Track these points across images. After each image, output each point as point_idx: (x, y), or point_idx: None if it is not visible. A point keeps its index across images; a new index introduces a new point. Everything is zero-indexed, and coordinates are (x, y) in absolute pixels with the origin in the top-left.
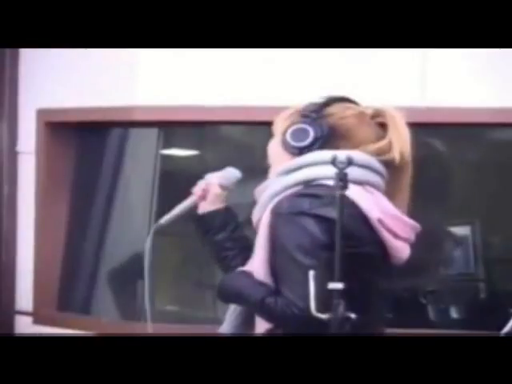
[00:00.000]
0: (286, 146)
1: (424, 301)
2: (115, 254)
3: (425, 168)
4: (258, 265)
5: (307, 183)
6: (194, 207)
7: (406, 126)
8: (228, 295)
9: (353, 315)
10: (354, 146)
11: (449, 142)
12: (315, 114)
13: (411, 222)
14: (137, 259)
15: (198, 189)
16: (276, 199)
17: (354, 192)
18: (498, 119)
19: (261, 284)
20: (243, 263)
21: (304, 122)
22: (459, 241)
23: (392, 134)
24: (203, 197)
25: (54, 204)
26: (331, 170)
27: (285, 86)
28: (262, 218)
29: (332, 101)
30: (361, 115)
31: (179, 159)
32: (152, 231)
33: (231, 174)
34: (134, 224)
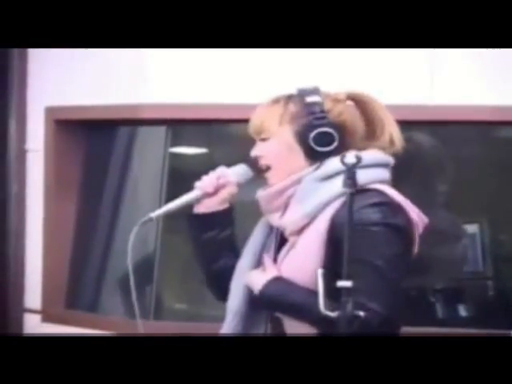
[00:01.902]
0: (307, 151)
1: (433, 299)
2: (123, 252)
3: (433, 166)
4: (310, 272)
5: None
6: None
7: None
8: (273, 304)
9: (361, 313)
10: (358, 142)
11: (457, 140)
12: (326, 113)
13: (422, 215)
14: (145, 258)
15: (206, 184)
16: (332, 207)
17: (394, 194)
18: (507, 117)
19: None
20: (231, 265)
21: (324, 125)
22: (467, 239)
23: (388, 125)
24: (212, 194)
25: (62, 202)
26: (379, 173)
27: (294, 84)
28: (309, 226)
29: (311, 93)
30: (348, 108)
31: (188, 157)
32: (139, 224)
33: (246, 171)
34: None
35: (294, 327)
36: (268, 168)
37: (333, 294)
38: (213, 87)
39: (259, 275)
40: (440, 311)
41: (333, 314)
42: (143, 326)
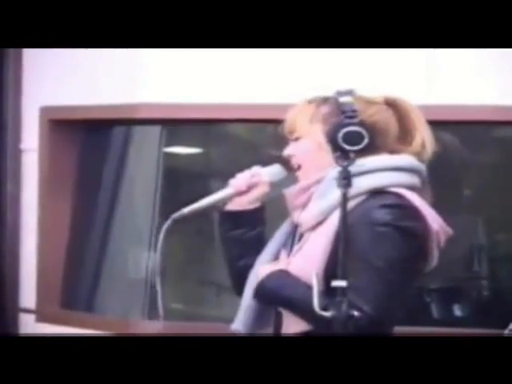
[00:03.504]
0: (336, 149)
1: (428, 299)
2: (118, 251)
3: (429, 166)
4: (315, 269)
5: (375, 191)
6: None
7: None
8: (272, 296)
9: (356, 313)
10: (391, 144)
11: (454, 140)
12: (357, 113)
13: (445, 226)
14: (140, 257)
15: (240, 182)
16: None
17: (415, 199)
18: (505, 117)
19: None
20: (253, 263)
21: (353, 124)
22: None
23: (421, 131)
24: (245, 192)
25: (57, 201)
26: (400, 177)
27: (289, 84)
28: (322, 224)
29: (345, 94)
30: (381, 110)
31: (183, 157)
32: (170, 220)
33: (279, 171)
34: (137, 221)
35: (290, 324)
36: (299, 167)
37: (332, 293)
38: (208, 87)
39: (267, 268)
40: (434, 311)
41: (327, 314)
42: (139, 326)
